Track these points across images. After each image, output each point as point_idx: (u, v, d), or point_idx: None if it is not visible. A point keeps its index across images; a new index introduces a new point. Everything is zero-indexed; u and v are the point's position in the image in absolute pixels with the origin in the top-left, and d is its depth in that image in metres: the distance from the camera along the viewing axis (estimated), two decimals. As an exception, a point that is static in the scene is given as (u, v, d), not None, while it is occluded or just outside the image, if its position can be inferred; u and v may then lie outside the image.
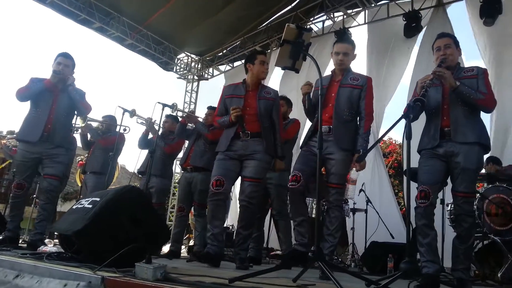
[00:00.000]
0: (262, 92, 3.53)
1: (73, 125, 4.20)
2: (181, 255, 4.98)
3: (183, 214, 4.85)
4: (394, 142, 9.42)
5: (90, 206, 2.59)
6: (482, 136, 2.83)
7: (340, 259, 5.94)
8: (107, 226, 2.45)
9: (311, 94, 3.30)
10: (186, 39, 9.14)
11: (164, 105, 4.24)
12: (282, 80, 8.26)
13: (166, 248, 4.98)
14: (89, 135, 5.33)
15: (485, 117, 3.06)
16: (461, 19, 9.13)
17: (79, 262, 2.29)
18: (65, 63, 3.92)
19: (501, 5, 6.00)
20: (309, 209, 5.64)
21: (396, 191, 7.87)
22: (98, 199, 2.64)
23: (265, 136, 3.37)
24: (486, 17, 6.08)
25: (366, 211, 5.94)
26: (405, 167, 2.48)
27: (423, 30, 6.95)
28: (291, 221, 3.50)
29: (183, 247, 5.66)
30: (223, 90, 3.71)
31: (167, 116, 5.08)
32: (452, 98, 2.86)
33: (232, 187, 8.24)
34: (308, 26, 8.45)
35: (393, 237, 5.37)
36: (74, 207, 2.86)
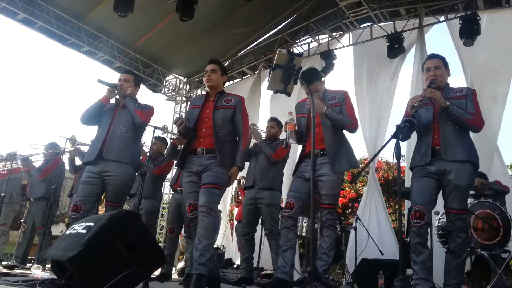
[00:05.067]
0: (220, 101, 3.35)
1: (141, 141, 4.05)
2: (172, 277, 4.93)
3: (173, 236, 4.84)
4: (380, 159, 9.54)
5: (84, 231, 2.57)
6: (471, 154, 2.92)
7: (331, 277, 5.95)
8: (102, 252, 2.43)
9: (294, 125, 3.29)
10: (174, 61, 9.22)
11: (155, 128, 4.26)
12: (271, 101, 8.36)
13: (157, 271, 4.93)
14: (77, 159, 5.32)
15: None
16: (441, 39, 9.43)
17: (73, 288, 2.28)
18: (124, 78, 3.81)
19: (479, 26, 6.24)
20: (301, 227, 5.66)
21: (385, 206, 7.93)
22: (92, 224, 2.61)
23: (219, 149, 3.17)
24: (466, 38, 6.30)
25: (355, 228, 5.99)
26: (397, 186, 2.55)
27: (412, 51, 7.15)
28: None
29: (174, 269, 5.61)
30: (192, 100, 3.58)
31: (156, 138, 5.09)
32: (442, 117, 2.95)
33: (224, 207, 8.30)
34: (293, 49, 8.66)
35: (382, 254, 5.41)
36: (67, 232, 2.83)
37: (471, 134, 5.91)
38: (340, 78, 24.93)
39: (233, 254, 7.67)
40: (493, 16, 6.51)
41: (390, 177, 8.63)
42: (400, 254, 2.40)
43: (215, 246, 6.78)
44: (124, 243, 2.49)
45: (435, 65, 3.11)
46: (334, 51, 8.00)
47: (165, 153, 4.89)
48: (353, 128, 3.25)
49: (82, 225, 2.71)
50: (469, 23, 6.28)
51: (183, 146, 3.41)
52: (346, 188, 9.75)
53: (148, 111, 3.76)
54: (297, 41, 8.64)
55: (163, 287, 3.70)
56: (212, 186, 3.09)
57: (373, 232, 6.31)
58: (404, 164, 7.07)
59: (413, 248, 2.84)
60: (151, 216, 4.95)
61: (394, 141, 2.58)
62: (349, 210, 8.82)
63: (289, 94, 2.83)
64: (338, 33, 8.24)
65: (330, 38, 8.25)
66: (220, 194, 3.18)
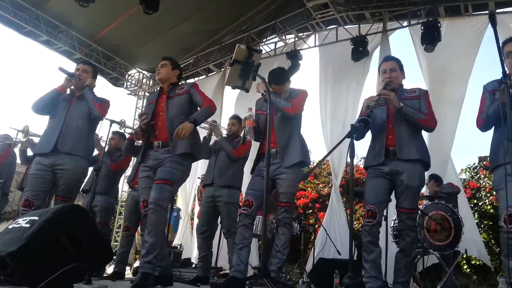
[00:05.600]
0: (173, 91, 3.36)
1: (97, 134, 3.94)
2: (126, 276, 4.80)
3: (129, 234, 4.71)
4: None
5: (28, 225, 2.46)
6: (424, 153, 2.99)
7: (288, 277, 5.98)
8: (45, 247, 2.33)
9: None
10: (138, 55, 9.01)
11: (112, 121, 4.14)
12: (237, 100, 8.30)
13: (111, 270, 4.79)
14: (29, 151, 5.10)
15: (425, 134, 3.26)
16: (404, 45, 9.68)
17: (13, 285, 2.17)
18: (82, 68, 3.71)
19: (440, 33, 6.44)
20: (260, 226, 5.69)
21: (344, 208, 8.05)
22: (36, 218, 2.51)
23: (171, 138, 3.12)
24: (427, 44, 6.49)
25: (314, 229, 6.06)
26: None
27: (374, 54, 7.28)
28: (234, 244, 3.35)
29: (128, 268, 5.47)
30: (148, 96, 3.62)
31: (114, 133, 4.98)
32: (396, 118, 3.01)
33: (184, 205, 8.19)
34: (258, 47, 8.66)
35: (339, 254, 5.49)
36: (10, 226, 2.70)
37: (430, 136, 6.11)
38: (306, 79, 25.31)
39: (193, 253, 7.57)
40: (453, 23, 6.73)
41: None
42: (350, 253, 2.42)
43: (173, 244, 6.68)
44: (69, 238, 2.40)
45: (391, 68, 3.17)
46: (301, 51, 8.05)
47: (122, 148, 4.74)
48: (289, 112, 3.18)
49: (26, 219, 2.60)
50: (431, 29, 6.47)
51: (143, 141, 3.37)
52: (308, 189, 9.84)
53: (105, 104, 3.68)
54: (264, 40, 8.64)
55: (114, 285, 3.58)
56: (164, 182, 3.05)
57: (334, 232, 6.40)
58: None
59: (364, 247, 2.88)
60: (106, 213, 4.80)
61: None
62: (310, 211, 8.90)
63: (247, 90, 2.81)
64: (304, 33, 8.30)
65: (296, 39, 8.30)
66: (171, 190, 3.14)
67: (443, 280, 4.92)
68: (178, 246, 6.50)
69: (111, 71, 9.06)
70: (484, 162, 8.56)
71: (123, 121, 4.26)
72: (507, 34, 2.92)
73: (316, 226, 7.56)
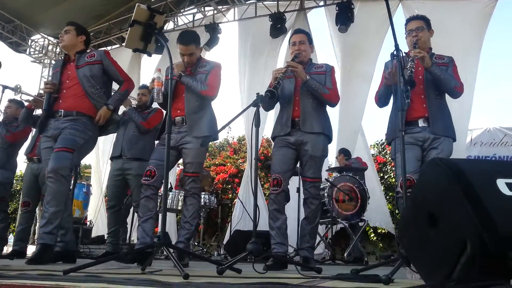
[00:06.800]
0: (82, 59, 3.24)
1: None
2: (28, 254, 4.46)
3: (28, 210, 4.37)
4: (263, 136, 9.75)
5: None
6: (326, 127, 3.08)
7: (205, 249, 6.01)
8: None
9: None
10: (42, 19, 8.16)
11: (5, 87, 3.76)
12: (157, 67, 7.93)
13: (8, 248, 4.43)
14: None
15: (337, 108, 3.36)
16: (322, 24, 9.94)
17: None
18: None
19: (353, 15, 6.68)
20: (177, 201, 5.62)
21: (262, 183, 8.21)
22: None
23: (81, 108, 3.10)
24: (341, 24, 6.70)
25: (231, 201, 6.13)
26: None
27: (289, 32, 7.36)
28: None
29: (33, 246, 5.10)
30: (53, 65, 3.47)
31: (10, 101, 4.53)
32: (303, 90, 3.06)
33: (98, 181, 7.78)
34: (178, 19, 8.37)
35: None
36: None
37: (341, 109, 6.35)
38: (225, 53, 25.35)
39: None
40: (365, 4, 7.01)
41: (270, 154, 8.95)
42: (254, 221, 2.44)
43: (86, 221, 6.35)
44: None
45: (300, 40, 3.19)
46: (220, 25, 7.90)
47: (19, 118, 4.33)
48: (207, 95, 3.08)
49: None
50: (345, 10, 6.68)
51: (44, 109, 3.18)
52: (228, 164, 9.87)
53: None
54: (182, 11, 8.34)
55: (11, 263, 3.29)
56: (63, 149, 2.94)
57: (251, 205, 6.50)
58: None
59: (270, 215, 2.95)
60: (3, 188, 4.40)
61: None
62: (229, 186, 8.95)
63: (149, 54, 2.65)
64: (224, 7, 8.14)
65: (215, 11, 8.12)
66: (72, 158, 2.97)
67: (350, 246, 5.26)
68: (88, 223, 6.18)
69: (10, 35, 8.17)
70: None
71: (18, 86, 3.88)
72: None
73: (235, 200, 7.62)
